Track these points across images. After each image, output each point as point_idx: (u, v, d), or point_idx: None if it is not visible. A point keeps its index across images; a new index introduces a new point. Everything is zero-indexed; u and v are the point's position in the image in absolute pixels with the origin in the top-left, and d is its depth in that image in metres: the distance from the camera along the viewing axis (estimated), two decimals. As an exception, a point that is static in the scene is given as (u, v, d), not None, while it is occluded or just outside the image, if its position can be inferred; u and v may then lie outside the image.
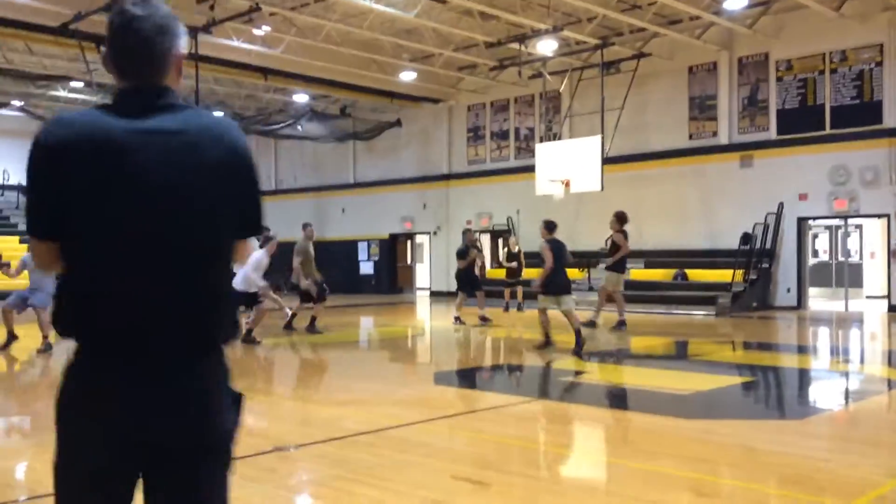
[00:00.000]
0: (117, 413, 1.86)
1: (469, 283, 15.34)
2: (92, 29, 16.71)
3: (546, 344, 11.12)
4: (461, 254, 15.38)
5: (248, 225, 2.09)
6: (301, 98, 25.32)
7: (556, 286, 10.73)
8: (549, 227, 11.12)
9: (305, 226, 14.14)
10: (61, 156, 1.84)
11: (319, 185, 29.10)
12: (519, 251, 18.99)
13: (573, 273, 19.35)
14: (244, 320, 11.93)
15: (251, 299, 12.00)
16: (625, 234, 13.96)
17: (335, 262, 16.97)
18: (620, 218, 13.81)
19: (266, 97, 26.18)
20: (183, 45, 2.02)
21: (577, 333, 10.63)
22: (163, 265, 1.89)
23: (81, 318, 1.90)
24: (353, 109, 26.92)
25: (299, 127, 26.54)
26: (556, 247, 10.83)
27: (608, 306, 14.62)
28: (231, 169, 2.00)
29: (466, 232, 17.16)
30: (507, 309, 18.28)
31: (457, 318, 14.94)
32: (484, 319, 14.97)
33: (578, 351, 10.49)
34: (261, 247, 12.26)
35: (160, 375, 1.88)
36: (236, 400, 2.05)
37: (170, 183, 1.88)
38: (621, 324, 13.95)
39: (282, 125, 26.36)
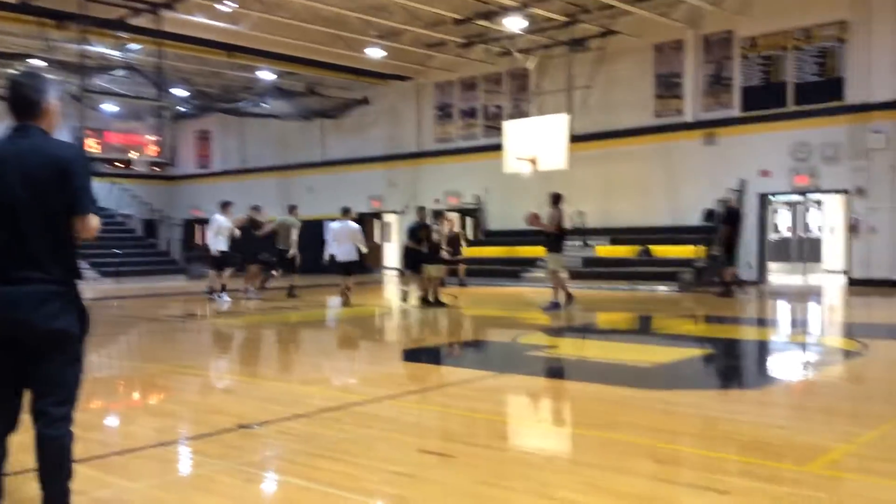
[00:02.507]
0: None
1: (416, 262, 15.01)
2: (52, 5, 16.39)
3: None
4: (412, 232, 15.19)
5: (75, 207, 3.16)
6: (267, 75, 25.01)
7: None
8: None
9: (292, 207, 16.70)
10: None
11: (286, 164, 28.87)
12: (456, 234, 19.01)
13: (539, 251, 19.43)
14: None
15: (219, 261, 15.06)
16: (560, 213, 13.66)
17: (302, 241, 16.86)
18: (554, 199, 13.80)
19: (231, 74, 25.82)
20: (52, 99, 3.28)
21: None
22: (14, 225, 3.11)
23: None
24: (321, 87, 26.67)
25: (265, 105, 26.28)
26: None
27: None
28: (55, 170, 3.14)
29: (420, 210, 16.71)
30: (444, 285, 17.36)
31: (423, 299, 14.95)
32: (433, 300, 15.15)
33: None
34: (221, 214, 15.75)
35: (18, 292, 3.09)
36: (81, 312, 3.22)
37: (20, 176, 3.12)
38: (555, 305, 13.33)
39: (247, 103, 26.09)
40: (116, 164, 19.44)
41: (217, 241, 15.64)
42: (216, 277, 15.85)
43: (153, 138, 18.38)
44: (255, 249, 16.34)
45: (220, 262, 15.83)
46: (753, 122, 18.81)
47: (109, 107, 23.19)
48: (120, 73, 22.09)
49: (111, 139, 18.40)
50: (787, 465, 4.37)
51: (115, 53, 20.82)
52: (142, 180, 29.61)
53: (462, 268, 18.96)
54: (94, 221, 3.21)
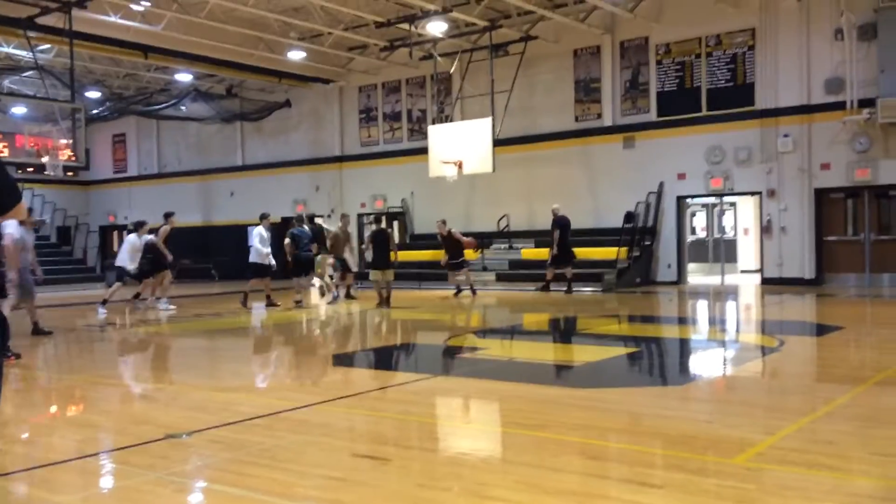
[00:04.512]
0: None
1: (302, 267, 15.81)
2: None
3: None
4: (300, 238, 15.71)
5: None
6: (184, 77, 24.47)
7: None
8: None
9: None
10: None
11: (205, 168, 28.28)
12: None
13: (468, 254, 19.56)
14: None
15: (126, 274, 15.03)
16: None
17: (223, 247, 16.58)
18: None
19: (147, 76, 25.19)
20: None
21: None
22: None
23: None
24: (240, 89, 26.27)
25: (183, 107, 25.70)
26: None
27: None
28: None
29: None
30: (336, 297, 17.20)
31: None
32: (298, 303, 15.66)
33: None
34: (131, 231, 15.57)
35: None
36: (1, 324, 3.38)
37: None
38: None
39: (164, 105, 25.49)
40: (28, 168, 18.69)
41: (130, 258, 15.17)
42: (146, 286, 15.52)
43: (66, 142, 17.70)
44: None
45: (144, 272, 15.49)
46: (669, 127, 19.35)
47: (19, 109, 22.31)
48: (30, 74, 21.29)
49: (22, 143, 17.68)
50: (715, 458, 4.50)
51: (24, 54, 20.04)
52: (55, 185, 28.58)
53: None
54: (23, 206, 3.37)
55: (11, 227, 9.81)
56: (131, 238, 15.32)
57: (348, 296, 17.08)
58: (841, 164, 17.44)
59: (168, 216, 15.88)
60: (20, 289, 10.61)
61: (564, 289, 17.62)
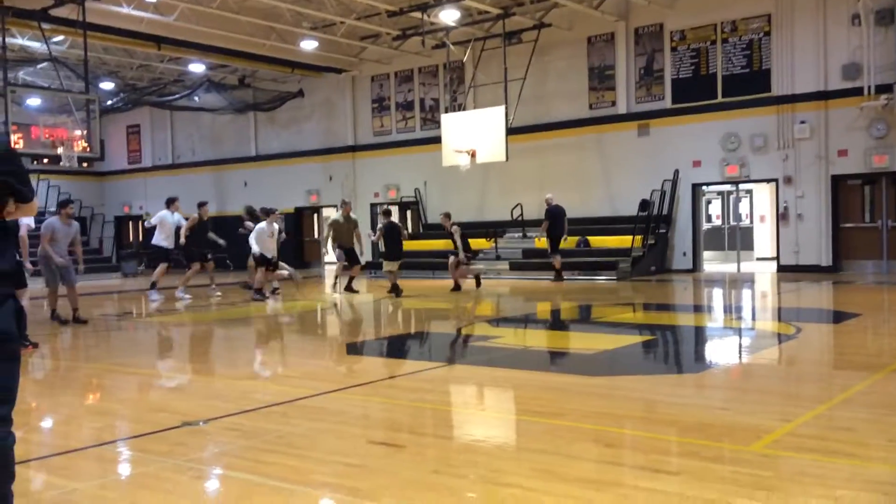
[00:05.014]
0: None
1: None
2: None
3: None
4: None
5: (18, 196, 3.06)
6: (197, 68, 24.50)
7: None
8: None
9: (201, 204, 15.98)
10: None
11: (219, 159, 28.35)
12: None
13: (481, 243, 19.55)
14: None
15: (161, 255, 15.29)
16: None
17: (238, 237, 16.55)
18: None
19: (160, 67, 25.24)
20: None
21: None
22: None
23: None
24: (253, 80, 26.28)
25: (196, 98, 25.74)
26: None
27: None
28: None
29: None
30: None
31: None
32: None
33: None
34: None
35: None
36: (18, 312, 3.08)
37: None
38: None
39: (177, 96, 25.53)
40: (44, 160, 18.79)
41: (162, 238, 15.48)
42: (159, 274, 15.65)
43: (81, 133, 17.78)
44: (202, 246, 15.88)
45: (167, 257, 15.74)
46: (684, 114, 19.22)
47: (34, 101, 22.43)
48: (45, 65, 21.38)
49: (37, 134, 17.76)
50: (731, 446, 4.48)
51: (39, 45, 20.13)
52: (71, 176, 28.72)
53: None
54: (35, 204, 3.27)
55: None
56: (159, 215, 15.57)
57: (349, 289, 15.94)
58: (858, 150, 17.28)
59: (200, 205, 15.94)
60: (48, 275, 11.05)
61: (552, 278, 17.67)
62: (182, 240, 15.48)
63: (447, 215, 16.43)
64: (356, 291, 15.95)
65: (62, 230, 11.27)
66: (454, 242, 15.95)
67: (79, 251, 11.99)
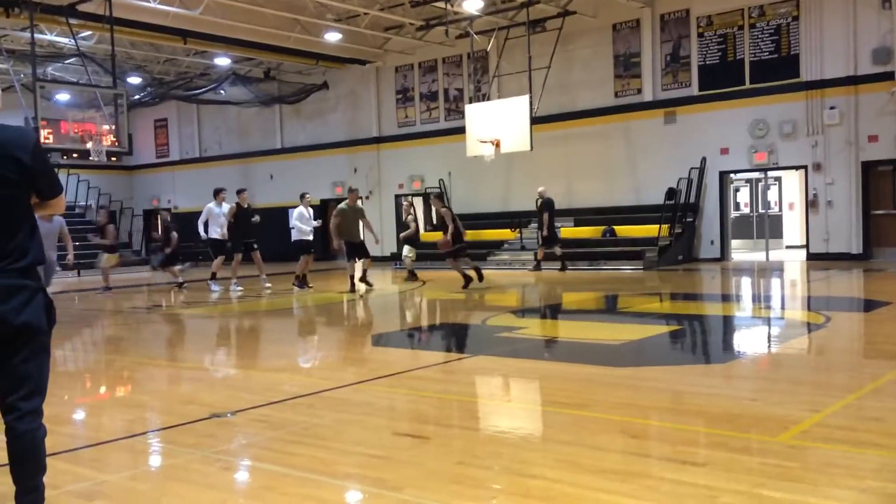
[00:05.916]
0: None
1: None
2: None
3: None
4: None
5: (45, 192, 3.19)
6: (223, 61, 24.67)
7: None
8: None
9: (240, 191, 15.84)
10: None
11: (245, 152, 28.54)
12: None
13: (505, 233, 19.52)
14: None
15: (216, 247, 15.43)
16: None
17: (264, 229, 16.62)
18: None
19: (186, 61, 25.43)
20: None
21: None
22: None
23: None
24: (278, 72, 26.39)
25: (222, 91, 25.91)
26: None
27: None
28: (12, 157, 3.02)
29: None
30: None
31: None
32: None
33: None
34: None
35: None
36: (48, 305, 3.14)
37: None
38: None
39: (204, 90, 25.70)
40: (73, 154, 19.04)
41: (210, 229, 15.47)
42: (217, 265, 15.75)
43: (109, 127, 17.98)
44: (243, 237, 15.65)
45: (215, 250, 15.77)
46: (712, 101, 19.01)
47: (63, 96, 22.70)
48: (73, 61, 21.62)
49: (66, 129, 18.00)
50: (759, 437, 4.44)
51: (67, 41, 20.35)
52: (100, 171, 29.05)
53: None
54: (63, 199, 3.35)
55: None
56: (211, 207, 15.48)
57: (363, 281, 15.01)
58: (889, 135, 16.99)
59: (239, 192, 15.63)
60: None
61: (559, 267, 17.76)
62: (224, 231, 15.33)
63: (438, 196, 15.60)
64: (371, 285, 15.17)
65: (43, 227, 11.10)
66: (446, 226, 14.41)
67: (68, 244, 11.82)
